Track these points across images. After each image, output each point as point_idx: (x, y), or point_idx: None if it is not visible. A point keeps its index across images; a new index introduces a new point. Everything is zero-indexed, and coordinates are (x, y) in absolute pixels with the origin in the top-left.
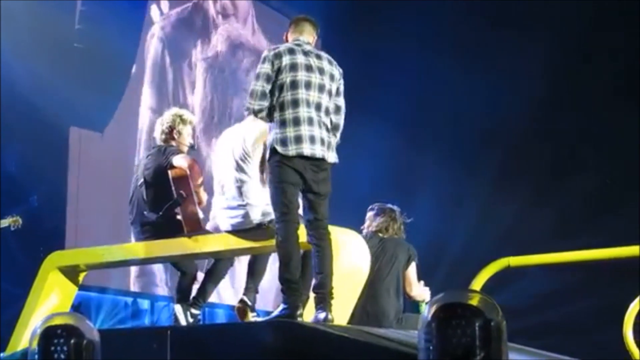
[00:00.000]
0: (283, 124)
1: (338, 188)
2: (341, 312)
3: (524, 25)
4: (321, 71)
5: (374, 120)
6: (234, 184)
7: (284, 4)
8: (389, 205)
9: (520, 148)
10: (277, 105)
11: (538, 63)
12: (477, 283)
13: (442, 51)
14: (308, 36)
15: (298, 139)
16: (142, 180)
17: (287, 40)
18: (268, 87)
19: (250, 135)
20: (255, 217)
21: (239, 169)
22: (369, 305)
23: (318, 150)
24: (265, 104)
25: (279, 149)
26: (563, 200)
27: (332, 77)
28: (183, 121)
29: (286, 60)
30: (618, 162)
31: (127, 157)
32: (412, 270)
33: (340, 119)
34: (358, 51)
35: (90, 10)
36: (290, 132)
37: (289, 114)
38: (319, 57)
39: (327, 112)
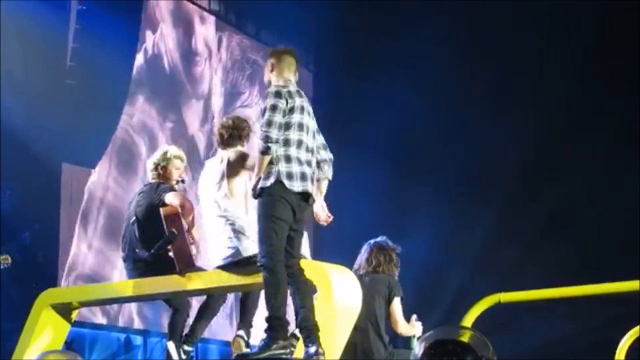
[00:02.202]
0: (288, 160)
1: (333, 224)
2: (333, 348)
3: (516, 59)
4: (309, 113)
5: (368, 155)
6: (221, 218)
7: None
8: (380, 240)
9: (519, 181)
10: (282, 141)
11: (539, 96)
12: (468, 319)
13: (435, 86)
14: (296, 74)
15: (303, 177)
16: (134, 217)
17: (272, 71)
18: (284, 122)
19: (230, 166)
20: (246, 249)
21: (224, 202)
22: (358, 341)
23: (310, 189)
24: (282, 136)
25: (286, 183)
26: (557, 235)
27: (313, 117)
28: (167, 158)
29: (297, 101)
30: (619, 204)
31: (119, 193)
32: (395, 307)
33: (330, 154)
34: (349, 88)
35: (82, 47)
36: (296, 168)
37: (293, 151)
38: (306, 98)
39: (313, 152)
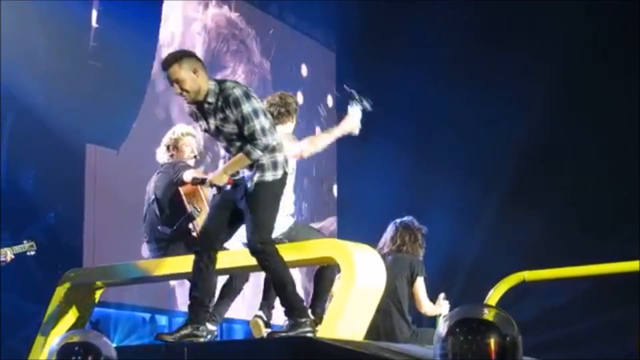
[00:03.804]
0: (274, 149)
1: (356, 207)
2: (358, 329)
3: (532, 47)
4: None
5: (388, 142)
6: None
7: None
8: (407, 221)
9: (535, 162)
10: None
11: (550, 78)
12: (493, 298)
13: (454, 72)
14: None
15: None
16: (153, 197)
17: (196, 73)
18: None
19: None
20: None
21: None
22: (380, 323)
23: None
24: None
25: (287, 168)
26: (581, 213)
27: None
28: (175, 138)
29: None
30: (634, 176)
31: (143, 175)
32: (418, 287)
33: None
34: (372, 68)
35: (104, 27)
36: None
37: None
38: None
39: None
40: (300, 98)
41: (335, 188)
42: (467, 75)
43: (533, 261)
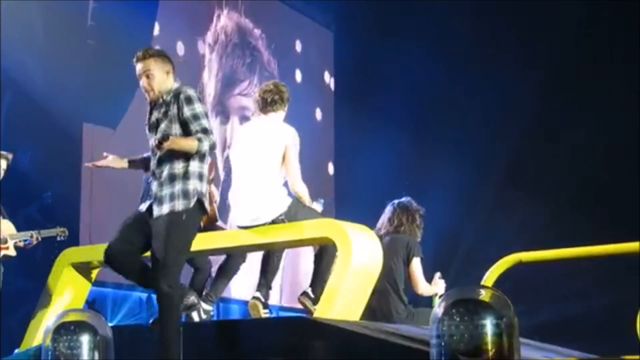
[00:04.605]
0: (202, 178)
1: (352, 188)
2: (354, 309)
3: (531, 30)
4: None
5: (385, 122)
6: (251, 180)
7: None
8: (405, 201)
9: (536, 145)
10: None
11: (548, 61)
12: (489, 279)
13: (450, 52)
14: None
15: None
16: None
17: (168, 74)
18: None
19: (271, 133)
20: (271, 214)
21: (260, 165)
22: (376, 304)
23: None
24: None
25: (202, 197)
26: (576, 195)
27: None
28: None
29: None
30: (633, 157)
31: (140, 154)
32: (414, 267)
33: None
34: (367, 55)
35: (102, 6)
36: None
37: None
38: None
39: None
40: (299, 76)
41: (331, 168)
42: (466, 56)
43: (530, 242)
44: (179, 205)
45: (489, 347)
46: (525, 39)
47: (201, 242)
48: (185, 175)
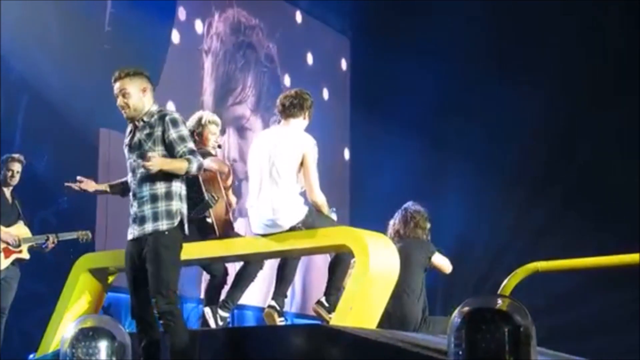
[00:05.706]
0: (171, 197)
1: (366, 193)
2: (371, 316)
3: (548, 37)
4: None
5: (401, 128)
6: (269, 188)
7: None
8: (405, 206)
9: (549, 151)
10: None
11: (569, 68)
12: (506, 288)
13: (468, 58)
14: None
15: None
16: None
17: (144, 93)
18: None
19: (290, 140)
20: (288, 221)
21: (276, 173)
22: (392, 308)
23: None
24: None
25: (184, 218)
26: (592, 204)
27: None
28: (202, 124)
29: None
30: None
31: None
32: (440, 260)
33: None
34: (386, 54)
35: (119, 12)
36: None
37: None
38: None
39: None
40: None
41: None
42: (482, 60)
43: (546, 250)
44: (163, 225)
45: (507, 356)
46: (542, 46)
47: (219, 248)
48: (168, 196)
